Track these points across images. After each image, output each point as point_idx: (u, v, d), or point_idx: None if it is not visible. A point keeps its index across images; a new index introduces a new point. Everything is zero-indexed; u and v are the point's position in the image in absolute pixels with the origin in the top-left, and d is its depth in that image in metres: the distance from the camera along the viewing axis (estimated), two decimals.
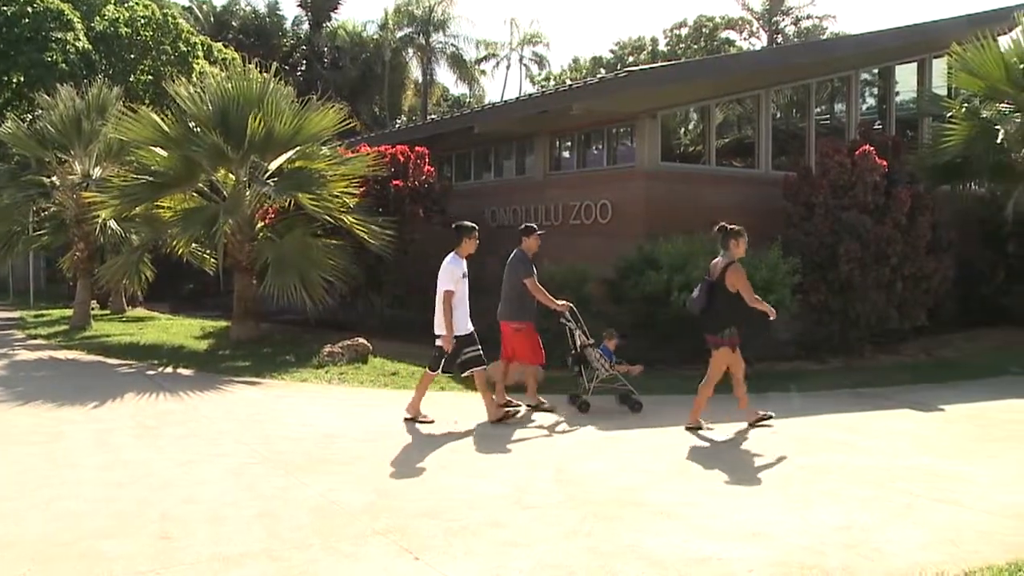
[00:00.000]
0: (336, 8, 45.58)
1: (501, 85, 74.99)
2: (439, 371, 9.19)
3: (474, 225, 9.30)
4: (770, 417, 9.01)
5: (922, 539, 5.56)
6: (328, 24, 45.01)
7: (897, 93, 18.08)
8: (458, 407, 9.86)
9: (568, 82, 35.91)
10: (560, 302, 9.68)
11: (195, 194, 15.43)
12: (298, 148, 14.55)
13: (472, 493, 6.52)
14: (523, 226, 10.04)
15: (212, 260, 16.48)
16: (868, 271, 12.74)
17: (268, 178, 14.49)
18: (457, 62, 48.27)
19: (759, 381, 10.86)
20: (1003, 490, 6.69)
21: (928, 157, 15.08)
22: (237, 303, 15.00)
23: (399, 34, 46.32)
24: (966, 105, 15.13)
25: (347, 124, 14.84)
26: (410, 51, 47.24)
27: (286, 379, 11.72)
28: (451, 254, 9.05)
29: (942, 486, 6.81)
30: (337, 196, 14.22)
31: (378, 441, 8.19)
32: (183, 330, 17.23)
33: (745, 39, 56.77)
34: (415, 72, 48.76)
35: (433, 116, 38.23)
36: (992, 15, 16.89)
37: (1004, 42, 14.89)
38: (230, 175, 14.81)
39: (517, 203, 16.16)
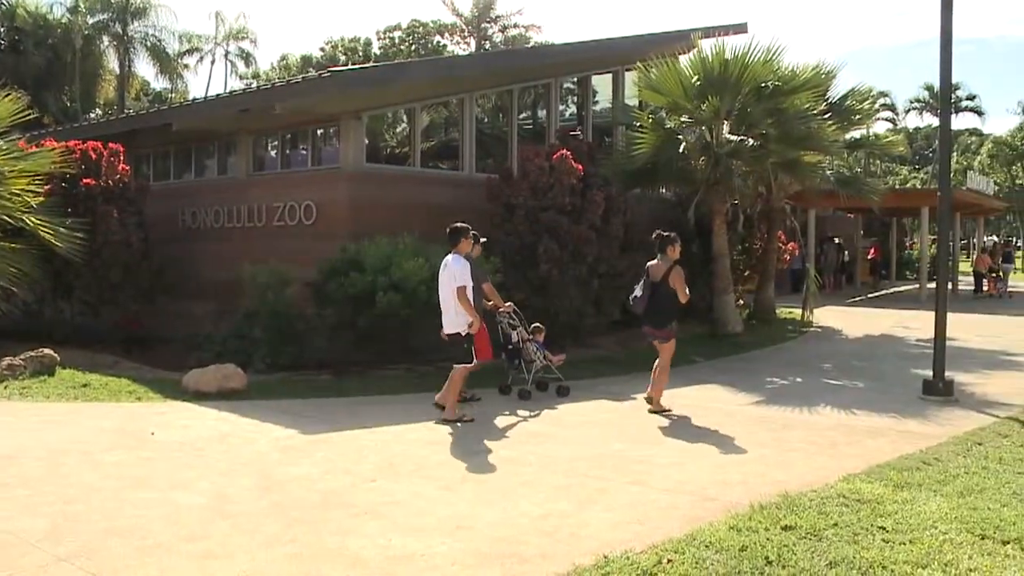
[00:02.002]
0: None
1: (206, 81, 72.09)
2: (474, 362, 9.50)
3: (468, 226, 9.73)
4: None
5: (613, 520, 5.93)
6: (4, 2, 40.93)
7: (596, 102, 19.15)
8: (158, 416, 9.36)
9: (275, 80, 35.09)
10: (505, 304, 10.73)
11: None
12: None
13: (169, 507, 6.21)
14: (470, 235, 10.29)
15: None
16: (566, 270, 13.36)
17: None
18: (158, 55, 45.53)
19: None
20: (680, 470, 7.28)
21: (621, 162, 16.08)
22: None
23: (92, 20, 43.02)
24: (653, 116, 16.29)
25: (27, 115, 13.67)
26: (105, 39, 44.11)
27: None
28: (452, 255, 9.42)
29: (632, 469, 7.31)
30: (17, 194, 12.98)
31: (65, 459, 7.57)
32: None
33: (456, 44, 58.13)
34: (112, 63, 45.64)
35: (131, 111, 35.90)
36: (675, 35, 18.33)
37: (685, 60, 16.18)
38: None
39: (219, 204, 15.58)
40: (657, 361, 9.99)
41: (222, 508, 6.21)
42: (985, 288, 29.42)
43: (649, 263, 10.01)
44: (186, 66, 51.15)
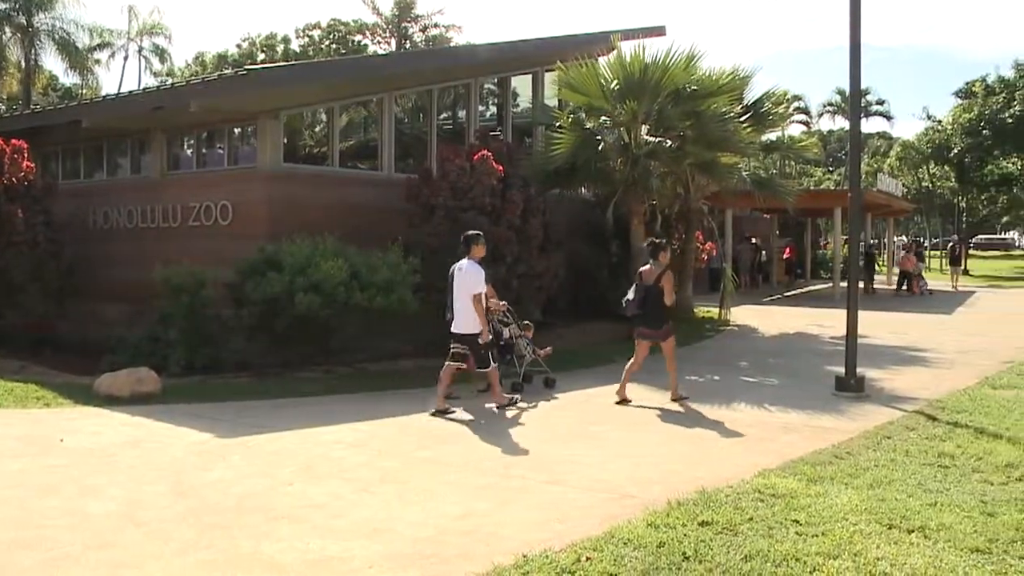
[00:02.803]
0: None
1: (119, 78, 70.13)
2: (498, 363, 10.11)
3: (480, 232, 10.23)
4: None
5: (533, 519, 5.95)
6: None
7: (516, 105, 19.19)
8: (67, 422, 9.08)
9: (191, 78, 34.37)
10: (500, 303, 11.14)
11: None
12: None
13: (79, 515, 6.03)
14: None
15: None
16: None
17: None
18: (67, 48, 44.02)
19: (374, 381, 11.20)
20: (601, 469, 7.33)
21: (540, 163, 16.13)
22: None
23: None
24: (572, 116, 16.36)
25: None
26: (8, 30, 42.55)
27: None
28: (467, 260, 9.80)
29: (552, 469, 7.33)
30: None
31: None
32: None
33: (376, 43, 57.75)
34: (16, 55, 44.05)
35: (37, 106, 34.72)
36: (596, 37, 18.44)
37: (605, 62, 16.30)
38: None
39: (132, 204, 15.19)
40: (631, 360, 10.56)
41: (134, 515, 6.05)
42: (907, 287, 30.20)
43: (641, 268, 10.62)
44: (97, 61, 49.63)
